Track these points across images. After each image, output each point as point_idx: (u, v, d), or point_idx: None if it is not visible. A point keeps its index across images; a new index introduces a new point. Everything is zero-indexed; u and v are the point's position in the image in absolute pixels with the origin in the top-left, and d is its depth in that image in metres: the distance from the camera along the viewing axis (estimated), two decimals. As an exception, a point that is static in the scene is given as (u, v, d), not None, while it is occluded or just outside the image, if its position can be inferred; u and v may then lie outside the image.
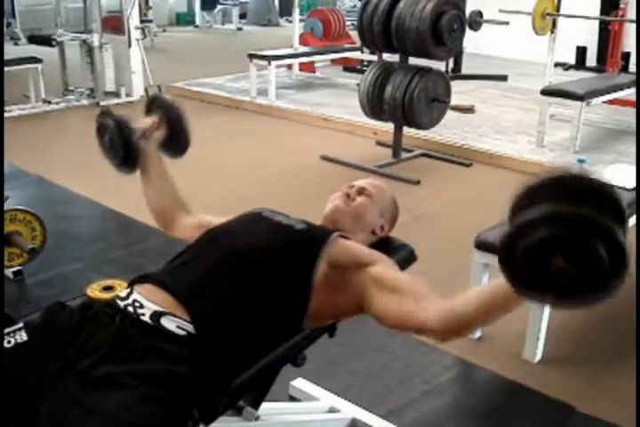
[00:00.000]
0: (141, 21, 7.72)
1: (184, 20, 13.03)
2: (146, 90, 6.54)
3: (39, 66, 6.09)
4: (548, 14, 5.71)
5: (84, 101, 6.44)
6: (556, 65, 6.39)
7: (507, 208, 1.16)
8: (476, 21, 6.87)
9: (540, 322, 2.48)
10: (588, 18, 7.12)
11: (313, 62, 7.87)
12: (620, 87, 5.51)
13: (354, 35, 7.04)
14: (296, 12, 7.42)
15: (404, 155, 4.92)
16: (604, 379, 2.45)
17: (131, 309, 1.45)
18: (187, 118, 1.89)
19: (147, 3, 10.85)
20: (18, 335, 1.44)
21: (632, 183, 2.94)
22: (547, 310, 2.45)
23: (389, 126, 4.96)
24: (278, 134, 5.72)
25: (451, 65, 7.31)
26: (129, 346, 1.38)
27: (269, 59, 6.50)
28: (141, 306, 1.45)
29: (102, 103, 6.25)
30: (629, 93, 5.50)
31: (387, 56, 5.11)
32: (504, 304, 1.29)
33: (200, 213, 1.85)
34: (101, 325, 1.43)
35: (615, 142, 5.35)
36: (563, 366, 2.51)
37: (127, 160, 1.85)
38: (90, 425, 1.28)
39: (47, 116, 6.10)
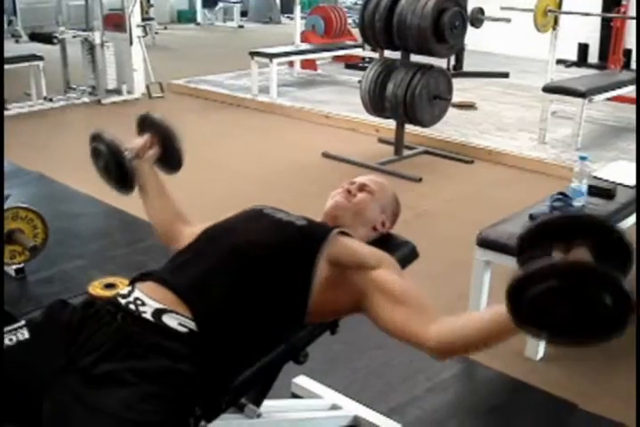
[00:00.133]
0: (143, 19, 7.75)
1: (185, 17, 13.01)
2: (147, 88, 6.55)
3: (40, 63, 6.07)
4: (549, 11, 5.68)
5: (86, 99, 6.40)
6: (558, 62, 6.35)
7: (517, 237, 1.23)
8: (478, 18, 6.87)
9: (542, 319, 2.47)
10: (590, 15, 7.10)
11: (314, 60, 7.85)
12: (623, 84, 5.48)
13: (355, 32, 7.03)
14: (297, 9, 7.41)
15: (406, 152, 4.91)
16: (606, 376, 2.45)
17: (132, 306, 1.45)
18: (178, 135, 1.90)
19: (148, 0, 10.84)
20: (20, 333, 1.44)
21: (633, 181, 2.94)
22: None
23: (391, 124, 4.95)
24: (280, 132, 5.71)
25: (452, 62, 7.31)
26: (131, 343, 1.38)
27: (271, 56, 6.49)
28: (143, 304, 1.45)
29: (104, 101, 6.23)
30: (631, 90, 5.48)
31: (388, 53, 5.10)
32: (500, 333, 1.32)
33: (199, 224, 1.79)
34: (103, 322, 1.43)
35: (617, 139, 5.33)
36: (565, 363, 2.50)
37: (123, 182, 1.87)
38: (92, 424, 1.28)
39: (48, 113, 6.08)
